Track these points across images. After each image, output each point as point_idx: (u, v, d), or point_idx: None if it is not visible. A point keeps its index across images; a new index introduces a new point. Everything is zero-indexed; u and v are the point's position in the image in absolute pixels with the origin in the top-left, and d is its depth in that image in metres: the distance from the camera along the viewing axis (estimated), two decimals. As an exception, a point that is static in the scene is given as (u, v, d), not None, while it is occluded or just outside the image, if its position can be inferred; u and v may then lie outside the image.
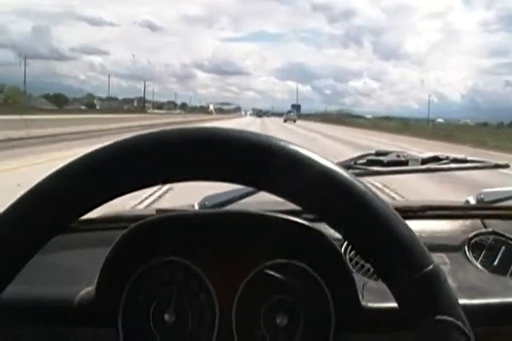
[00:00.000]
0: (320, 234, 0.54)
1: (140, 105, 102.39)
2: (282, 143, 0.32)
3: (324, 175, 0.31)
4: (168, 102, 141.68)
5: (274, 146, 0.31)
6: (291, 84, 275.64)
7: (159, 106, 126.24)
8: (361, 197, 0.31)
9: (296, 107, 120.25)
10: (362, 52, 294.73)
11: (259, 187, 0.33)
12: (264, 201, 0.84)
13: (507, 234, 0.77)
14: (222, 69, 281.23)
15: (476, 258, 0.72)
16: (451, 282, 0.68)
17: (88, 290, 0.55)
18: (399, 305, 0.32)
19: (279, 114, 79.68)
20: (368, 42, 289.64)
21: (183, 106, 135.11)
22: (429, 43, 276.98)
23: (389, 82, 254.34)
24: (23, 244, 0.32)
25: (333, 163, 0.32)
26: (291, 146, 0.32)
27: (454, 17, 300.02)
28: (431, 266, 0.31)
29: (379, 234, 0.31)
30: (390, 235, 0.31)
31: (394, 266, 0.31)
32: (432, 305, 0.30)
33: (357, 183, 0.32)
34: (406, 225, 0.32)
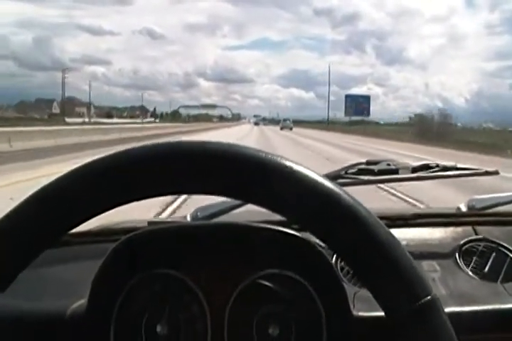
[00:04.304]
0: (310, 244, 0.62)
1: (72, 110, 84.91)
2: (268, 156, 0.37)
3: (312, 188, 0.36)
4: (132, 107, 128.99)
5: (260, 159, 0.37)
6: (295, 91, 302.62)
7: (108, 112, 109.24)
8: (352, 214, 0.36)
9: (365, 99, 73.12)
10: (365, 58, 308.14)
11: (245, 199, 0.39)
12: (256, 211, 0.93)
13: (498, 241, 0.91)
14: (225, 78, 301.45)
15: (467, 265, 0.86)
16: (441, 289, 0.78)
17: (80, 303, 0.64)
18: (395, 332, 0.36)
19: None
20: (370, 48, 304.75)
21: (155, 114, 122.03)
22: (432, 47, 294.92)
23: (393, 87, 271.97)
24: (14, 258, 0.37)
25: (322, 176, 0.37)
26: (277, 159, 0.37)
27: (458, 20, 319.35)
28: (429, 297, 0.36)
29: (372, 259, 0.36)
30: (388, 262, 0.36)
31: (390, 294, 0.36)
32: (428, 337, 0.35)
33: (346, 197, 0.37)
34: (403, 249, 0.37)
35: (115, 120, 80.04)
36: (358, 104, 72.90)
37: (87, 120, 65.90)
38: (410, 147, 22.09)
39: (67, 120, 58.04)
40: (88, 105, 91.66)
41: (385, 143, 25.62)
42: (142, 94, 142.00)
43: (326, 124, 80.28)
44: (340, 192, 0.37)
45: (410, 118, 44.86)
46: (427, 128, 34.34)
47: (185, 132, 35.14)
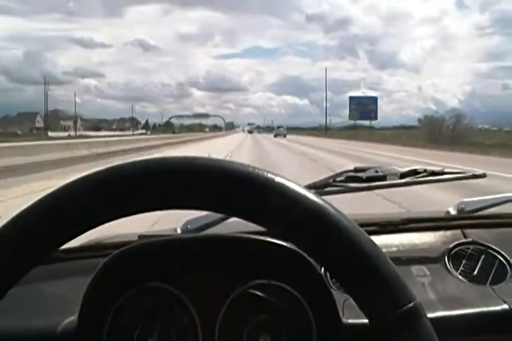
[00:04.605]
0: (299, 254, 0.64)
1: (55, 123, 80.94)
2: (250, 170, 0.38)
3: (293, 200, 0.37)
4: (121, 119, 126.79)
5: (243, 173, 0.38)
6: (289, 99, 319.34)
7: (96, 125, 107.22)
8: (334, 224, 0.37)
9: (372, 100, 65.19)
10: (358, 63, 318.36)
11: (229, 213, 0.40)
12: (246, 222, 0.93)
13: (486, 243, 0.93)
14: (218, 87, 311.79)
15: (456, 269, 0.89)
16: (431, 294, 0.80)
17: (71, 319, 0.66)
18: (380, 339, 0.37)
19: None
20: (363, 53, 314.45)
21: (147, 125, 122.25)
22: (424, 50, 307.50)
23: (386, 91, 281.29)
24: (4, 274, 0.37)
25: (303, 187, 0.39)
26: (259, 172, 0.38)
27: (449, 22, 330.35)
28: (411, 304, 0.37)
29: (354, 267, 0.37)
30: (370, 271, 0.37)
31: (373, 302, 0.37)
32: None
33: (328, 209, 0.38)
34: (385, 257, 0.38)
35: (103, 133, 76.36)
36: (364, 107, 64.93)
37: (72, 134, 62.83)
38: (430, 154, 18.22)
39: (51, 134, 54.64)
40: (75, 118, 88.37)
41: (398, 150, 21.60)
42: (132, 105, 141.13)
43: (324, 131, 75.55)
44: (322, 203, 0.38)
45: (419, 120, 39.73)
46: (439, 131, 30.70)
47: (163, 145, 29.07)
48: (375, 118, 65.31)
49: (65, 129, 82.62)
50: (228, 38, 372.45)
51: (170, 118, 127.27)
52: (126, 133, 78.72)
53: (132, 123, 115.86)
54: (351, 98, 68.97)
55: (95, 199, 0.38)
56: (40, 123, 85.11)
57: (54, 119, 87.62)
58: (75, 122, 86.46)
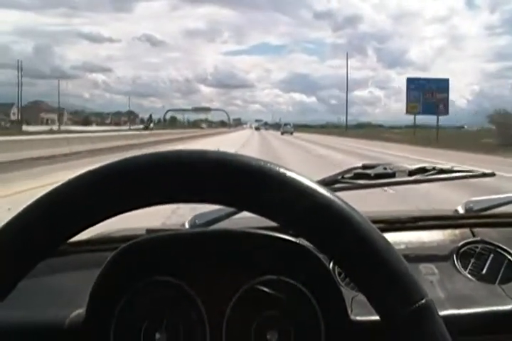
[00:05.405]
0: (308, 250, 0.65)
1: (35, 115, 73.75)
2: (261, 163, 0.38)
3: (305, 194, 0.37)
4: (117, 113, 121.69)
5: (254, 167, 0.38)
6: (296, 96, 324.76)
7: (86, 119, 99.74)
8: (346, 219, 0.37)
9: (443, 84, 41.29)
10: (366, 61, 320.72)
11: (239, 207, 0.41)
12: (254, 217, 0.93)
13: (495, 243, 0.94)
14: (226, 83, 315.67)
15: (465, 268, 0.89)
16: (439, 292, 0.81)
17: (78, 312, 0.67)
18: (391, 336, 0.37)
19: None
20: (371, 51, 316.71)
21: (150, 120, 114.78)
22: (433, 49, 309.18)
23: (394, 89, 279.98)
24: (13, 267, 0.38)
25: (315, 182, 0.39)
26: (270, 166, 0.38)
27: (458, 21, 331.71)
28: (423, 301, 0.37)
29: (367, 263, 0.37)
30: (382, 266, 0.37)
31: (385, 299, 0.37)
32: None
33: (339, 202, 0.38)
34: (397, 254, 0.38)
35: (93, 128, 69.09)
36: (430, 95, 40.61)
37: (55, 128, 56.09)
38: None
39: (27, 128, 47.80)
40: (59, 110, 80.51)
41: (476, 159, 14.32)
42: (129, 97, 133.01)
43: (331, 128, 74.16)
44: (334, 198, 0.38)
45: (490, 117, 29.17)
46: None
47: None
48: (446, 112, 41.17)
49: (46, 123, 76.31)
50: (236, 34, 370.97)
51: (166, 112, 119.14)
52: (122, 128, 70.04)
53: (129, 117, 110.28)
54: (409, 81, 43.35)
55: (106, 192, 0.38)
56: (16, 115, 73.15)
57: (33, 111, 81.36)
58: (61, 115, 79.30)
